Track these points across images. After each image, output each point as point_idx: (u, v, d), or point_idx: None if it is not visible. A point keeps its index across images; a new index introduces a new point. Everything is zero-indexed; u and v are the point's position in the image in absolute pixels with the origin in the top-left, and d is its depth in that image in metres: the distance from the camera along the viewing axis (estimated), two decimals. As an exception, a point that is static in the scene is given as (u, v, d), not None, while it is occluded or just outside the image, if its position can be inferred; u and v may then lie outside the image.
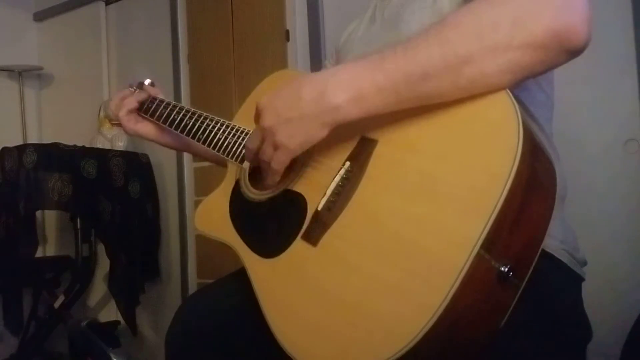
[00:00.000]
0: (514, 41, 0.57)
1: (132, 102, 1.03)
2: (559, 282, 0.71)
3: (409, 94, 0.61)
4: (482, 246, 0.53)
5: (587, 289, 0.76)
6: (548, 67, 0.61)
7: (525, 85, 0.71)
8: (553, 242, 0.71)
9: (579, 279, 0.75)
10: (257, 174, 0.85)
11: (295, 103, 0.67)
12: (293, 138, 0.67)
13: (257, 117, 0.72)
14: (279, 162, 0.70)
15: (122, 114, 1.03)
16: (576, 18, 0.57)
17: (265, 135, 0.70)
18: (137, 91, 1.06)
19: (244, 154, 0.86)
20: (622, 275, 1.51)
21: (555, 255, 0.71)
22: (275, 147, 0.69)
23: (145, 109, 1.03)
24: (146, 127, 1.05)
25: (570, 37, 0.57)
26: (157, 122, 1.02)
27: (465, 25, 0.59)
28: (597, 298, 0.98)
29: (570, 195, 0.77)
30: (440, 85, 0.60)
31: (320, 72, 0.71)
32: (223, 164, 0.94)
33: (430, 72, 0.60)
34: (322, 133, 0.66)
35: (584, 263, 0.77)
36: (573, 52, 0.59)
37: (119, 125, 1.10)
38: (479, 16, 0.59)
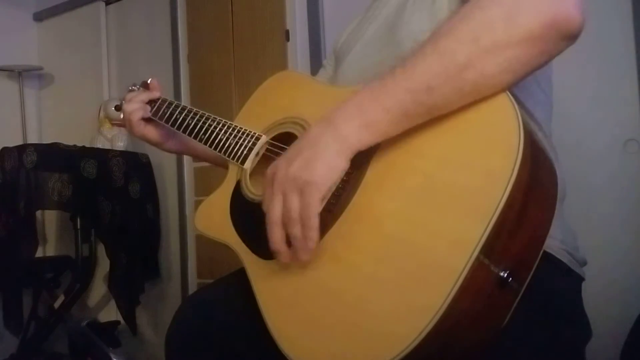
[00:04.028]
0: (511, 38, 0.57)
1: (147, 111, 1.03)
2: (559, 282, 0.71)
3: (416, 110, 0.61)
4: (482, 251, 0.53)
5: (587, 289, 0.76)
6: (548, 58, 0.61)
7: (524, 84, 0.71)
8: (553, 242, 0.71)
9: (579, 279, 0.76)
10: (258, 174, 0.85)
11: (305, 143, 0.64)
12: (313, 168, 0.61)
13: (269, 183, 0.65)
14: (309, 204, 0.60)
15: (136, 118, 1.03)
16: (568, 4, 0.57)
17: (284, 189, 0.62)
18: (145, 92, 1.06)
19: (245, 154, 0.86)
20: (622, 275, 1.51)
21: (555, 255, 0.71)
22: (300, 191, 0.61)
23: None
24: (152, 131, 1.05)
25: (566, 24, 0.57)
26: (160, 121, 1.02)
27: (459, 31, 0.59)
28: (597, 298, 0.99)
29: (570, 196, 0.77)
30: (445, 95, 0.60)
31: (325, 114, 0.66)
32: (224, 165, 0.94)
33: (433, 85, 0.59)
34: (342, 162, 0.62)
35: (584, 263, 0.77)
36: (571, 38, 0.59)
37: (119, 125, 1.10)
38: (471, 20, 0.59)
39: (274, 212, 0.63)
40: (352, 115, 0.63)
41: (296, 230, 0.62)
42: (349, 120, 0.63)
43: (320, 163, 0.61)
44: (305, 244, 0.62)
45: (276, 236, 0.63)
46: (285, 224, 0.62)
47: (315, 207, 0.60)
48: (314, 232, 0.61)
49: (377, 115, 0.62)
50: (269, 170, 0.66)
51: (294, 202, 0.61)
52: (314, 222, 0.61)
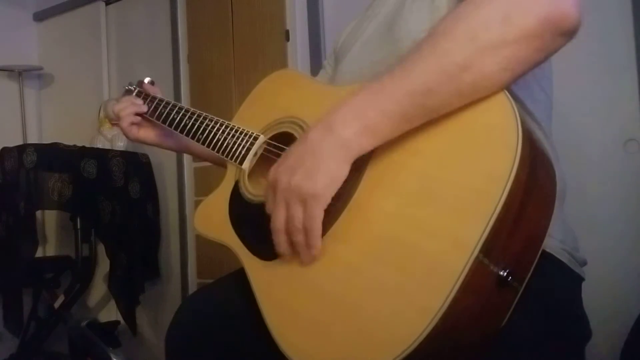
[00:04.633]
0: (508, 36, 0.57)
1: (131, 114, 1.04)
2: (558, 282, 0.71)
3: (416, 112, 0.61)
4: (481, 250, 0.53)
5: (587, 289, 0.76)
6: (546, 54, 0.61)
7: (524, 84, 0.71)
8: (553, 242, 0.71)
9: (579, 279, 0.75)
10: (256, 174, 0.85)
11: (305, 150, 0.64)
12: (316, 180, 0.62)
13: (271, 190, 0.66)
14: (312, 216, 0.62)
15: (124, 124, 1.03)
16: (566, 1, 0.57)
17: (287, 199, 0.64)
18: (135, 98, 1.06)
19: (243, 154, 0.86)
20: (622, 275, 1.51)
21: (555, 255, 0.71)
22: (303, 202, 0.63)
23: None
24: (148, 134, 1.06)
25: (562, 20, 0.57)
26: (157, 122, 1.02)
27: (457, 31, 0.59)
28: (597, 298, 0.98)
29: (570, 196, 0.77)
30: (444, 96, 0.60)
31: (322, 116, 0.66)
32: (223, 165, 0.94)
33: (433, 87, 0.59)
34: (344, 170, 0.62)
35: (583, 263, 0.77)
36: (568, 34, 0.59)
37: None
38: (468, 19, 0.59)
39: (279, 221, 0.65)
40: (351, 118, 0.62)
41: (300, 238, 0.64)
42: (349, 125, 0.62)
43: (322, 174, 0.62)
44: (308, 252, 0.65)
45: (281, 241, 0.67)
46: (289, 232, 0.65)
47: (319, 218, 0.63)
48: (317, 241, 0.64)
49: (376, 119, 0.61)
50: (271, 176, 0.66)
51: (298, 212, 0.63)
52: (317, 232, 0.63)
